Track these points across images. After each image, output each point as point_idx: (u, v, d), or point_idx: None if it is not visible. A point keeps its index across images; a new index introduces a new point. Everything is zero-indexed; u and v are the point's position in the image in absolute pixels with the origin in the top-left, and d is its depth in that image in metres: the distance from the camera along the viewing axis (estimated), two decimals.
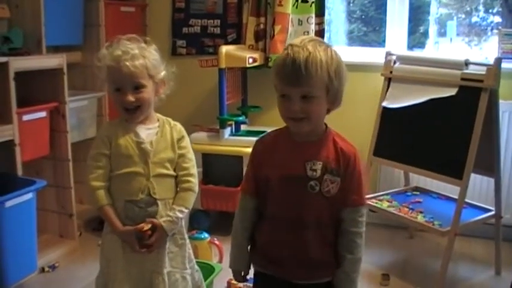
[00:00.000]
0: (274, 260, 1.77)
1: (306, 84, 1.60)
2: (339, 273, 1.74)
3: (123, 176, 2.06)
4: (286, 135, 1.77)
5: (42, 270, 3.16)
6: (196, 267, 2.25)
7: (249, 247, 1.87)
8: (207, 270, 2.63)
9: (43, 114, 3.21)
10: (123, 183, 2.06)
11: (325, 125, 1.77)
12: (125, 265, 2.07)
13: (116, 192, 2.07)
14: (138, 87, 2.02)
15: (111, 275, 2.09)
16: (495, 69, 2.86)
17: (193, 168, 2.17)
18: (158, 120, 2.15)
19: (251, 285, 1.95)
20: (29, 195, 2.88)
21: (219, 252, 3.11)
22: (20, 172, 3.00)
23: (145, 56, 2.03)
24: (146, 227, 2.02)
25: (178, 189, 2.13)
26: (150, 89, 2.06)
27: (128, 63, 1.98)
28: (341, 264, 1.74)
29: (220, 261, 3.07)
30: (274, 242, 1.76)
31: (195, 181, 2.15)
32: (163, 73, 2.10)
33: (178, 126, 2.18)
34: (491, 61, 2.93)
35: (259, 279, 1.87)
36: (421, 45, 4.18)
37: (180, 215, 2.09)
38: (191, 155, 2.18)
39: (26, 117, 3.06)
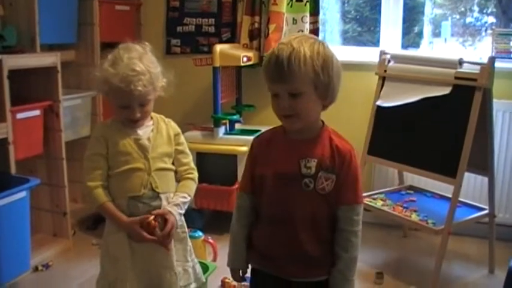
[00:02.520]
0: (270, 257, 1.77)
1: (290, 81, 1.60)
2: (334, 272, 1.73)
3: (124, 173, 2.07)
4: (281, 134, 1.77)
5: (36, 269, 3.15)
6: (195, 259, 2.28)
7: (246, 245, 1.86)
8: (202, 269, 2.62)
9: (37, 112, 3.20)
10: (124, 181, 2.07)
11: (322, 122, 1.76)
12: (133, 264, 2.09)
13: (117, 191, 2.08)
14: (143, 103, 2.06)
15: (120, 275, 2.09)
16: (489, 68, 2.87)
17: (192, 162, 2.24)
18: (152, 118, 2.17)
19: (247, 284, 1.95)
20: (23, 194, 2.87)
21: (213, 251, 3.12)
22: (13, 170, 2.99)
23: (150, 71, 2.05)
24: (151, 217, 2.03)
25: (179, 181, 2.19)
26: (152, 100, 2.10)
27: (139, 87, 1.99)
28: (336, 263, 1.73)
29: (215, 259, 3.08)
30: (270, 240, 1.76)
31: (196, 174, 2.23)
32: (164, 81, 2.13)
33: (173, 122, 2.23)
34: (485, 61, 2.94)
35: (256, 276, 1.87)
36: (415, 45, 4.18)
37: (184, 200, 2.13)
38: (188, 150, 2.25)
39: (19, 116, 3.05)
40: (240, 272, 1.89)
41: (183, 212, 2.14)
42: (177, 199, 2.12)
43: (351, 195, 1.71)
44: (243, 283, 2.37)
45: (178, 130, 2.23)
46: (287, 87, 1.62)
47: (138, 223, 2.02)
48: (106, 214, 2.08)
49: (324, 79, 1.62)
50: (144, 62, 2.04)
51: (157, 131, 2.15)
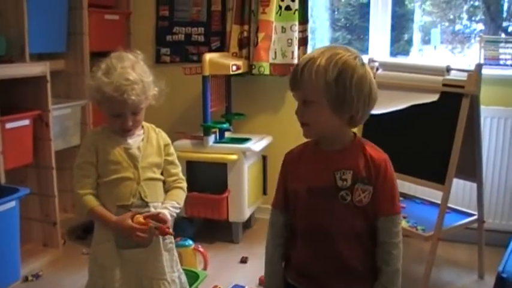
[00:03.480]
0: (310, 274, 1.71)
1: (300, 88, 1.61)
2: (377, 286, 1.68)
3: (113, 182, 2.08)
4: (312, 146, 1.74)
5: (26, 279, 3.13)
6: (181, 269, 2.28)
7: (283, 263, 1.81)
8: (192, 278, 2.63)
9: (26, 122, 3.19)
10: (113, 189, 2.08)
11: (354, 134, 1.72)
12: (122, 273, 2.09)
13: (106, 199, 2.08)
14: (136, 112, 2.07)
15: (108, 284, 2.08)
16: (476, 74, 2.89)
17: (181, 173, 2.25)
18: (143, 127, 2.18)
19: None
20: (12, 204, 2.87)
21: (204, 259, 3.11)
22: (3, 180, 2.99)
23: (143, 80, 2.06)
24: (141, 217, 2.02)
25: (168, 191, 2.19)
26: (144, 109, 2.11)
27: (132, 96, 2.00)
28: (379, 277, 1.68)
29: (205, 268, 3.08)
30: (308, 256, 1.71)
31: (185, 184, 2.24)
32: (156, 90, 2.14)
33: (163, 132, 2.24)
34: (473, 68, 2.96)
35: None
36: (405, 52, 4.21)
37: (173, 206, 2.13)
38: (177, 161, 2.26)
39: (9, 125, 3.04)
40: None
41: (173, 216, 2.13)
42: (166, 204, 2.12)
43: (389, 206, 1.67)
44: None
45: (169, 140, 2.24)
46: (299, 94, 1.64)
47: (129, 218, 2.01)
48: (96, 217, 2.08)
49: (337, 91, 1.58)
50: (137, 71, 2.06)
51: (148, 141, 2.16)
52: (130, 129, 2.09)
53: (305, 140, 1.76)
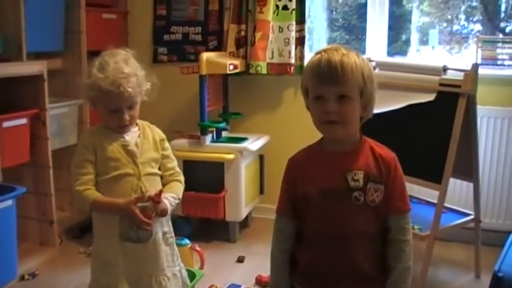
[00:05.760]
0: (320, 277, 1.69)
1: (342, 84, 1.58)
2: (389, 285, 1.66)
3: (114, 179, 2.09)
4: (319, 149, 1.73)
5: (22, 278, 3.13)
6: (181, 264, 2.30)
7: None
8: (189, 277, 2.61)
9: (23, 121, 3.19)
10: (114, 186, 2.09)
11: (361, 133, 1.72)
12: (125, 268, 2.10)
13: (107, 196, 2.09)
14: (132, 106, 2.09)
15: (113, 280, 2.10)
16: (472, 74, 2.89)
17: (177, 167, 2.27)
18: (137, 124, 2.20)
19: None
20: (9, 202, 2.86)
21: (201, 258, 3.12)
22: None
23: (136, 74, 2.08)
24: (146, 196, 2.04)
25: (165, 185, 2.21)
26: (139, 104, 2.13)
27: (129, 89, 2.02)
28: (390, 276, 1.66)
29: (202, 267, 3.08)
30: (319, 259, 1.69)
31: (182, 177, 2.26)
32: (148, 85, 2.15)
33: (157, 128, 2.27)
34: (469, 68, 2.96)
35: None
36: (403, 53, 4.21)
37: (172, 196, 2.14)
38: (173, 155, 2.28)
39: (6, 124, 3.04)
40: None
41: (172, 207, 2.14)
42: (165, 194, 2.11)
43: (400, 203, 1.67)
44: None
45: (163, 135, 2.26)
46: (338, 90, 1.59)
47: (134, 202, 2.01)
48: (102, 207, 2.08)
49: (369, 88, 1.62)
50: (130, 65, 2.08)
51: (144, 137, 2.18)
52: (127, 124, 2.10)
53: (306, 141, 1.77)
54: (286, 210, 1.75)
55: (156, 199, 2.02)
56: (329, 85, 1.59)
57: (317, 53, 1.65)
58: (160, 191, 2.04)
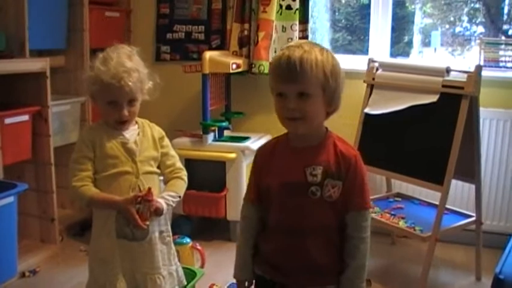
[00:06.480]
0: (277, 267, 1.73)
1: (301, 81, 1.59)
2: (343, 280, 1.70)
3: (112, 177, 2.09)
4: (285, 142, 1.75)
5: (23, 275, 3.13)
6: (178, 263, 2.29)
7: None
8: (189, 275, 2.63)
9: (25, 117, 3.19)
10: (112, 183, 2.09)
11: (326, 128, 1.74)
12: (122, 267, 2.10)
13: (105, 193, 2.08)
14: (132, 101, 2.08)
15: (110, 278, 2.09)
16: (475, 76, 2.89)
17: (179, 162, 2.25)
18: (137, 122, 2.20)
19: None
20: (10, 199, 2.86)
21: (201, 257, 3.12)
22: (1, 175, 2.98)
23: (139, 70, 2.08)
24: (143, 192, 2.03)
25: (167, 183, 2.20)
26: (139, 101, 2.12)
27: (130, 83, 2.02)
28: (344, 271, 1.69)
29: (202, 266, 3.08)
30: (276, 250, 1.73)
31: (184, 172, 2.24)
32: (150, 84, 2.15)
33: (156, 126, 2.26)
34: (472, 69, 2.95)
35: (260, 284, 1.82)
36: (405, 54, 4.21)
37: (171, 195, 2.13)
38: (173, 152, 2.26)
39: (8, 121, 3.05)
40: (246, 283, 1.84)
41: (170, 205, 2.13)
42: (163, 194, 2.12)
43: (359, 201, 1.69)
44: None
45: (163, 133, 2.26)
46: (297, 87, 1.60)
47: (132, 201, 2.00)
48: (99, 203, 2.08)
49: (332, 84, 1.63)
50: (133, 61, 2.09)
51: (143, 135, 2.18)
52: (126, 119, 2.10)
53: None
54: (252, 198, 1.80)
55: (146, 198, 2.01)
56: (289, 83, 1.62)
57: (281, 50, 1.67)
58: (149, 189, 2.03)
